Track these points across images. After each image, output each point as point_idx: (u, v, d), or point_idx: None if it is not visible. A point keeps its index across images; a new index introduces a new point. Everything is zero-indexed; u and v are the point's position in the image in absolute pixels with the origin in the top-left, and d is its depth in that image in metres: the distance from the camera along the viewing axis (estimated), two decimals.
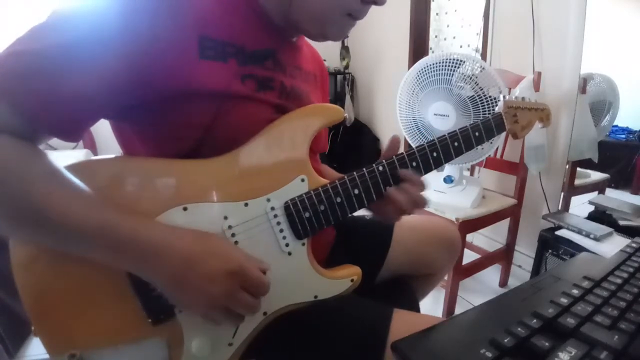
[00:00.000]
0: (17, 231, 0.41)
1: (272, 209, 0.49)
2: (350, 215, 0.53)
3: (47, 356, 0.43)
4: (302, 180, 0.50)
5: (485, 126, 0.60)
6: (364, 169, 0.53)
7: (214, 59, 0.46)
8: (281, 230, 0.49)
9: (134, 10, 0.42)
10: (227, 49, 0.48)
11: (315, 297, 0.51)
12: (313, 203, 0.50)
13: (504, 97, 0.64)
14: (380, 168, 0.53)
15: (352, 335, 0.49)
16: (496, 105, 1.17)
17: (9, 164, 0.38)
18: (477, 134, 0.59)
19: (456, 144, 0.57)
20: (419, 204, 0.54)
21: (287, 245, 0.50)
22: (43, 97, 0.39)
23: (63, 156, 0.45)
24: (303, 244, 0.51)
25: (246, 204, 0.48)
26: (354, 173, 0.52)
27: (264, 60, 0.52)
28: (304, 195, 0.50)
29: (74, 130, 0.43)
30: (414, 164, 0.55)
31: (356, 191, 0.52)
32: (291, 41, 0.59)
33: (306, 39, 0.63)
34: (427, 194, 0.55)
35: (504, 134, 0.67)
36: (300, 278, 0.51)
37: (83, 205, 0.40)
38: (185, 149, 0.48)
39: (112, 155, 0.48)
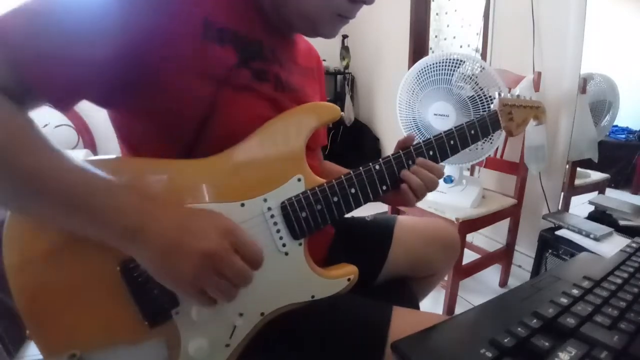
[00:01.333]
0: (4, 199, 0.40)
1: (269, 209, 0.49)
2: (347, 214, 0.53)
3: None
4: (299, 179, 0.50)
5: (481, 124, 0.60)
6: (361, 168, 0.53)
7: (216, 43, 0.47)
8: (278, 231, 0.49)
9: None
10: (227, 36, 0.48)
11: (313, 296, 0.51)
12: (310, 203, 0.50)
13: (499, 94, 0.65)
14: (377, 167, 0.53)
15: (351, 334, 0.49)
16: None
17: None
18: (472, 132, 0.59)
19: (452, 142, 0.57)
20: (430, 187, 0.55)
21: (284, 245, 0.50)
22: (39, 54, 0.39)
23: None
24: (300, 244, 0.51)
25: (242, 204, 0.48)
26: (351, 172, 0.52)
27: (261, 52, 0.53)
28: (300, 195, 0.50)
29: (65, 95, 0.43)
30: (411, 162, 0.55)
31: (353, 190, 0.52)
32: (288, 36, 0.59)
33: None
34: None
35: (503, 133, 0.68)
36: (297, 278, 0.51)
37: (73, 173, 0.39)
38: (182, 146, 0.48)
39: (110, 156, 0.48)
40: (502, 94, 0.65)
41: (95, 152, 2.10)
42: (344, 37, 2.78)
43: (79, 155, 0.43)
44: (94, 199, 0.39)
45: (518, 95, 0.68)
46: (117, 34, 0.41)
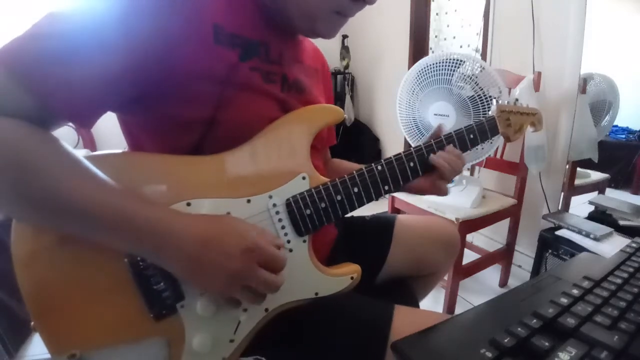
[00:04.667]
0: (34, 216, 0.41)
1: (274, 205, 0.50)
2: (350, 213, 0.54)
3: (47, 356, 0.43)
4: (304, 178, 0.51)
5: (479, 129, 0.62)
6: (364, 168, 0.54)
7: (226, 47, 0.47)
8: (282, 227, 0.50)
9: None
10: (235, 40, 0.49)
11: (316, 294, 0.52)
12: (314, 200, 0.51)
13: (497, 101, 0.66)
14: (379, 167, 0.54)
15: (354, 333, 0.49)
16: None
17: (28, 149, 0.38)
18: (471, 136, 0.61)
19: (452, 145, 0.59)
20: (456, 169, 0.58)
21: (288, 241, 0.51)
22: (59, 80, 0.39)
23: None
24: (304, 241, 0.52)
25: (248, 201, 0.49)
26: (354, 172, 0.53)
27: (268, 54, 0.53)
28: (305, 192, 0.51)
29: (89, 115, 0.43)
30: (412, 164, 0.56)
31: (356, 189, 0.53)
32: (293, 36, 0.60)
33: None
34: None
35: None
36: (301, 275, 0.51)
37: (103, 194, 0.40)
38: (189, 144, 0.49)
39: (118, 150, 0.48)
40: (500, 101, 0.66)
41: (94, 151, 2.10)
42: (344, 37, 2.78)
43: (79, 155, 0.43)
44: (118, 220, 0.40)
45: (516, 102, 0.70)
46: (130, 46, 0.41)
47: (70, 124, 0.43)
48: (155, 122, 0.49)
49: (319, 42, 0.60)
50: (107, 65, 0.41)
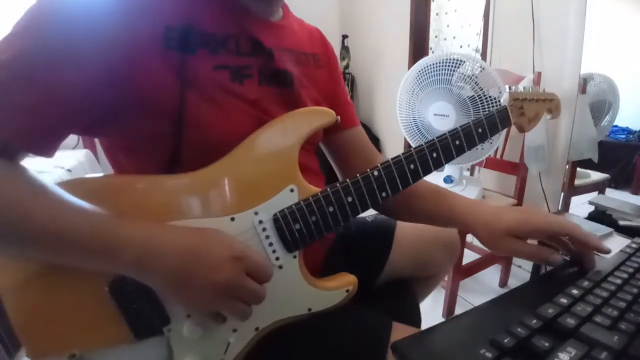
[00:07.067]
0: (9, 250, 0.39)
1: (260, 222, 0.47)
2: (344, 224, 0.50)
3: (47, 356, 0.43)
4: (292, 190, 0.48)
5: (489, 121, 0.55)
6: (358, 175, 0.49)
7: (181, 50, 0.43)
8: (270, 244, 0.47)
9: (95, 10, 0.40)
10: (195, 39, 0.45)
11: (309, 309, 0.49)
12: (304, 214, 0.47)
13: (509, 87, 0.60)
14: (376, 173, 0.50)
15: (350, 349, 0.47)
16: (496, 105, 1.17)
17: None
18: (480, 130, 0.55)
19: (457, 142, 0.53)
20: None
21: (277, 259, 0.48)
22: (9, 109, 0.37)
23: (63, 156, 0.44)
24: (294, 257, 0.49)
25: (232, 219, 0.46)
26: (347, 180, 0.49)
27: (238, 46, 0.49)
28: (293, 206, 0.47)
29: (46, 142, 0.41)
30: (412, 166, 0.51)
31: (349, 199, 0.49)
32: (269, 21, 0.54)
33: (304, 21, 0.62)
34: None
35: (504, 133, 0.66)
36: (292, 291, 0.49)
37: (76, 215, 0.39)
38: (164, 160, 0.46)
39: (95, 175, 0.47)
40: (513, 88, 0.60)
41: (95, 152, 2.10)
42: (344, 37, 2.78)
43: (79, 156, 0.43)
44: (97, 239, 0.38)
45: (531, 88, 0.63)
46: (81, 65, 0.39)
47: (30, 154, 0.40)
48: (121, 139, 0.47)
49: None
50: (60, 87, 0.38)
